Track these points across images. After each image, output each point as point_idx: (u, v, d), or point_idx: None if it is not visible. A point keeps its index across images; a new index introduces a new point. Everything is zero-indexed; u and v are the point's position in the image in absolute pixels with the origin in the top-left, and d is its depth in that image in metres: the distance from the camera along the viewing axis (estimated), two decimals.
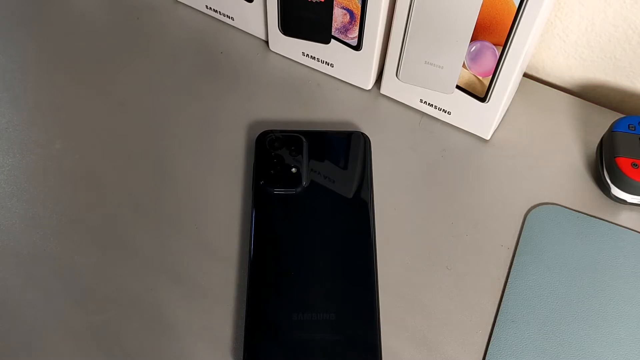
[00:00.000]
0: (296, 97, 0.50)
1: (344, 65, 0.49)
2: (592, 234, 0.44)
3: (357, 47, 0.47)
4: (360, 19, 0.45)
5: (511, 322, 0.40)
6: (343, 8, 0.45)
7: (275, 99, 0.50)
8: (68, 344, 0.39)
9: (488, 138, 0.48)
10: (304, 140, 0.45)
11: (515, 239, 0.44)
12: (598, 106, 0.50)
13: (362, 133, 0.46)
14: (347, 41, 0.47)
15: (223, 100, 0.49)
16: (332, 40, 0.48)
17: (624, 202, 0.45)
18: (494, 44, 0.42)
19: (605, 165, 0.45)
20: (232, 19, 0.53)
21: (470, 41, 0.43)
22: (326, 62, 0.50)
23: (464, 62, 0.44)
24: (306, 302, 0.39)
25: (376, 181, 0.45)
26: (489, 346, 0.39)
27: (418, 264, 0.42)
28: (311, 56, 0.50)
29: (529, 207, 0.45)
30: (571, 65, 0.52)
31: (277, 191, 0.43)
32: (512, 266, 0.42)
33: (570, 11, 0.48)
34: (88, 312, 0.40)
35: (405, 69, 0.47)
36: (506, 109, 0.48)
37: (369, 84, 0.50)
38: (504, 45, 0.42)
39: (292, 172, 0.44)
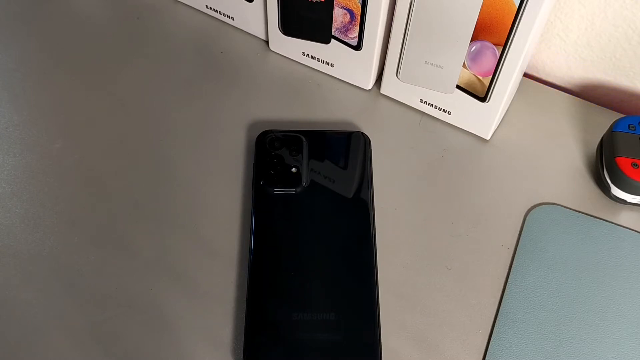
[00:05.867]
0: (296, 97, 0.50)
1: (344, 65, 0.49)
2: (592, 234, 0.44)
3: (357, 47, 0.47)
4: (361, 19, 0.45)
5: (511, 322, 0.40)
6: (343, 8, 0.45)
7: (275, 99, 0.50)
8: (68, 344, 0.39)
9: (488, 138, 0.48)
10: (304, 140, 0.45)
11: (515, 239, 0.44)
12: (598, 106, 0.50)
13: (362, 133, 0.46)
14: (347, 41, 0.47)
15: (223, 100, 0.49)
16: (332, 40, 0.48)
17: (624, 202, 0.45)
18: (494, 44, 0.42)
19: (605, 165, 0.45)
20: (232, 18, 0.53)
21: (470, 41, 0.43)
22: (326, 62, 0.50)
23: (464, 62, 0.44)
24: (306, 302, 0.39)
25: (376, 181, 0.45)
26: (489, 346, 0.39)
27: (418, 263, 0.42)
28: (311, 56, 0.50)
29: (529, 207, 0.45)
30: (571, 65, 0.52)
31: (277, 191, 0.43)
32: (512, 266, 0.42)
33: (570, 11, 0.48)
34: (88, 312, 0.40)
35: (405, 68, 0.47)
36: (506, 109, 0.48)
37: (369, 84, 0.50)
38: (504, 45, 0.42)
39: (292, 172, 0.44)
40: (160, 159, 0.46)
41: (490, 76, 0.44)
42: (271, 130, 0.46)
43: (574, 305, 0.41)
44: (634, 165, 0.43)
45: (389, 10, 0.45)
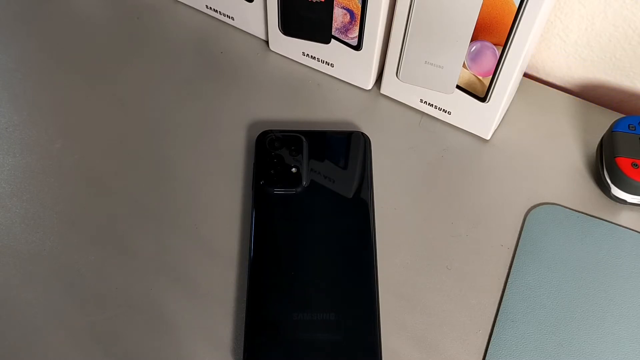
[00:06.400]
0: (296, 97, 0.50)
1: (344, 65, 0.49)
2: (592, 234, 0.44)
3: (357, 47, 0.47)
4: (361, 19, 0.45)
5: (511, 322, 0.40)
6: (343, 8, 0.45)
7: (275, 99, 0.50)
8: (68, 344, 0.39)
9: (488, 138, 0.48)
10: (304, 140, 0.45)
11: (515, 239, 0.44)
12: (598, 106, 0.50)
13: (362, 133, 0.46)
14: (347, 41, 0.47)
15: (223, 100, 0.49)
16: (332, 40, 0.48)
17: (624, 202, 0.45)
18: (494, 44, 0.42)
19: (605, 165, 0.45)
20: (232, 18, 0.53)
21: (471, 41, 0.43)
22: (326, 62, 0.50)
23: (464, 62, 0.44)
24: (306, 302, 0.39)
25: (376, 181, 0.45)
26: (489, 346, 0.39)
27: (418, 264, 0.42)
28: (311, 56, 0.50)
29: (529, 207, 0.45)
30: (571, 65, 0.52)
31: (277, 191, 0.43)
32: (512, 266, 0.42)
33: (570, 11, 0.48)
34: (88, 312, 0.40)
35: (405, 69, 0.47)
36: (506, 109, 0.48)
37: (369, 84, 0.50)
38: (504, 45, 0.42)
39: (292, 172, 0.44)
40: (160, 159, 0.46)
41: (490, 76, 0.44)
42: (271, 130, 0.46)
43: (574, 305, 0.41)
44: (634, 165, 0.43)
45: (389, 10, 0.45)
